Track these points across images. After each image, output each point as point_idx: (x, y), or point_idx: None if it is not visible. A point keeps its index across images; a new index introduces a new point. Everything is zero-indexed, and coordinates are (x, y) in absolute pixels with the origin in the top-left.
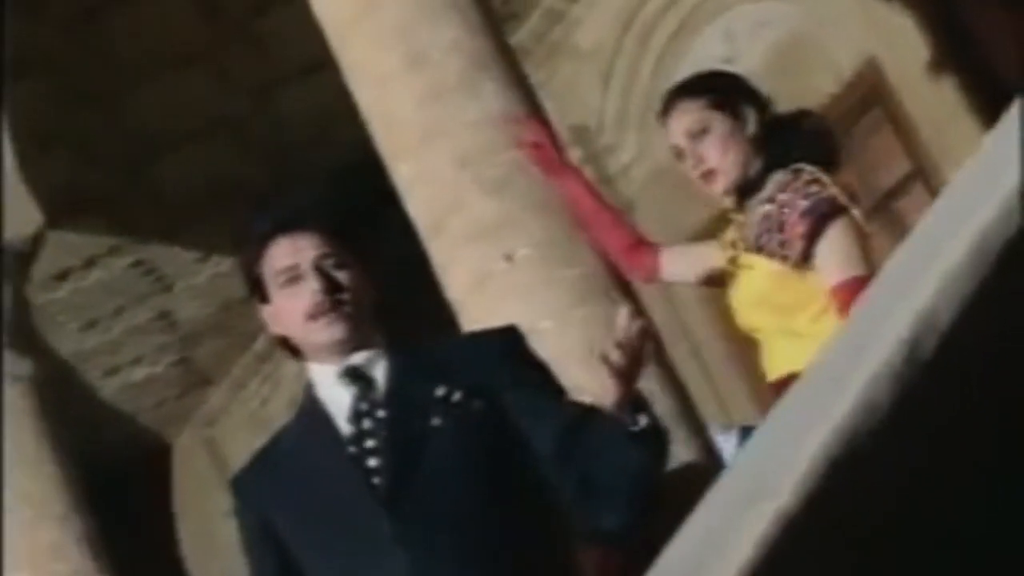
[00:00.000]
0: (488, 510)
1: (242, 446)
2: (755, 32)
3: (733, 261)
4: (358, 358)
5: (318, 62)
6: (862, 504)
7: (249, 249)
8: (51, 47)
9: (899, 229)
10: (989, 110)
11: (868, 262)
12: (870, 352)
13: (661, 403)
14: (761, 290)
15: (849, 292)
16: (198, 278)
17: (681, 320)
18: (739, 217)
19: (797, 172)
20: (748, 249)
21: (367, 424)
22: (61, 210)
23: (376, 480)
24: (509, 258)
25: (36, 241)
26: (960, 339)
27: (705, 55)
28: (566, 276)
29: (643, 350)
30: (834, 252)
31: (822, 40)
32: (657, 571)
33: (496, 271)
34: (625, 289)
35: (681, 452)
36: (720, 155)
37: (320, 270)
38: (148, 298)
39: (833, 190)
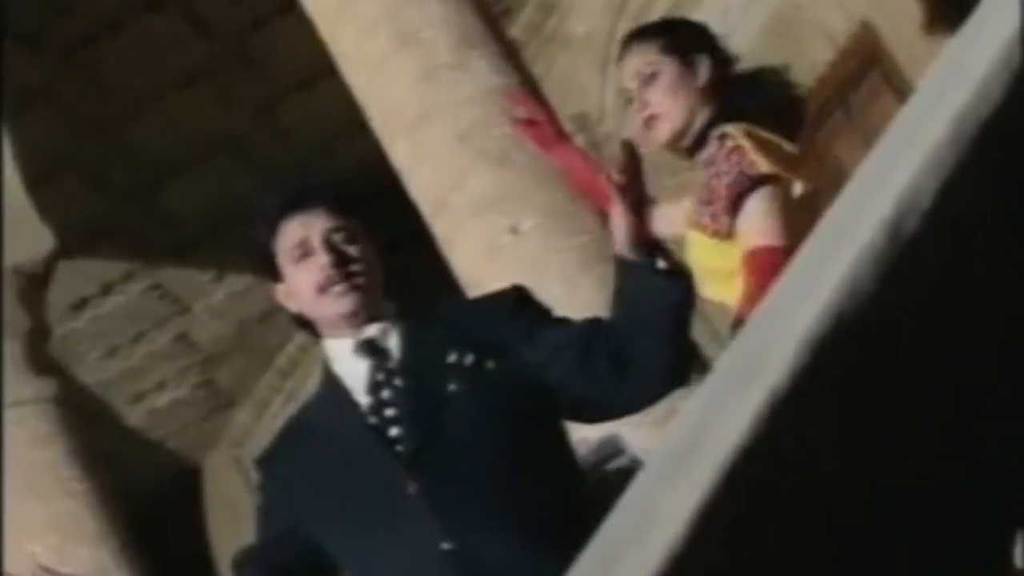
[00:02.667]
0: (513, 469)
1: None
2: (748, 6)
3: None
4: (372, 330)
5: (316, 73)
6: (849, 384)
7: (261, 229)
8: (52, 77)
9: None
10: None
11: (790, 231)
12: (853, 233)
13: None
14: (704, 264)
15: (761, 259)
16: (214, 298)
17: None
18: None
19: (723, 138)
20: (688, 223)
21: (385, 394)
22: (73, 239)
23: (399, 448)
24: (515, 230)
25: (49, 263)
26: (942, 218)
27: None
28: (572, 244)
29: (639, 169)
30: (750, 221)
31: (815, 9)
32: (655, 455)
33: (503, 244)
34: None
35: None
36: (666, 101)
37: (329, 243)
38: (166, 321)
39: (754, 157)
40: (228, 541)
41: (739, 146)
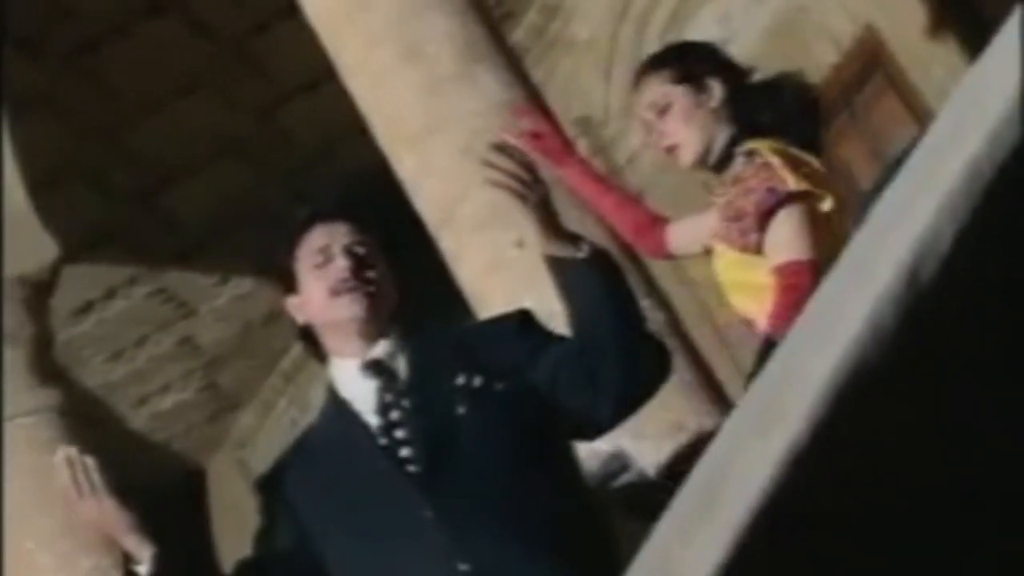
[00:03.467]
0: (524, 488)
1: None
2: (750, 10)
3: None
4: (378, 351)
5: (318, 76)
6: (870, 431)
7: (288, 236)
8: (54, 83)
9: None
10: None
11: (818, 247)
12: (872, 277)
13: (682, 374)
14: (731, 277)
15: (791, 274)
16: (218, 301)
17: (700, 301)
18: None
19: (751, 155)
20: (714, 238)
21: (395, 415)
22: (78, 243)
23: (412, 468)
24: (520, 244)
25: (53, 271)
26: (959, 262)
27: (703, 37)
28: None
29: (530, 165)
30: (779, 236)
31: (818, 11)
32: (676, 502)
33: (508, 258)
34: (637, 267)
35: (705, 423)
36: (681, 130)
37: (349, 251)
38: (170, 325)
39: (783, 174)
40: (231, 542)
41: (768, 163)
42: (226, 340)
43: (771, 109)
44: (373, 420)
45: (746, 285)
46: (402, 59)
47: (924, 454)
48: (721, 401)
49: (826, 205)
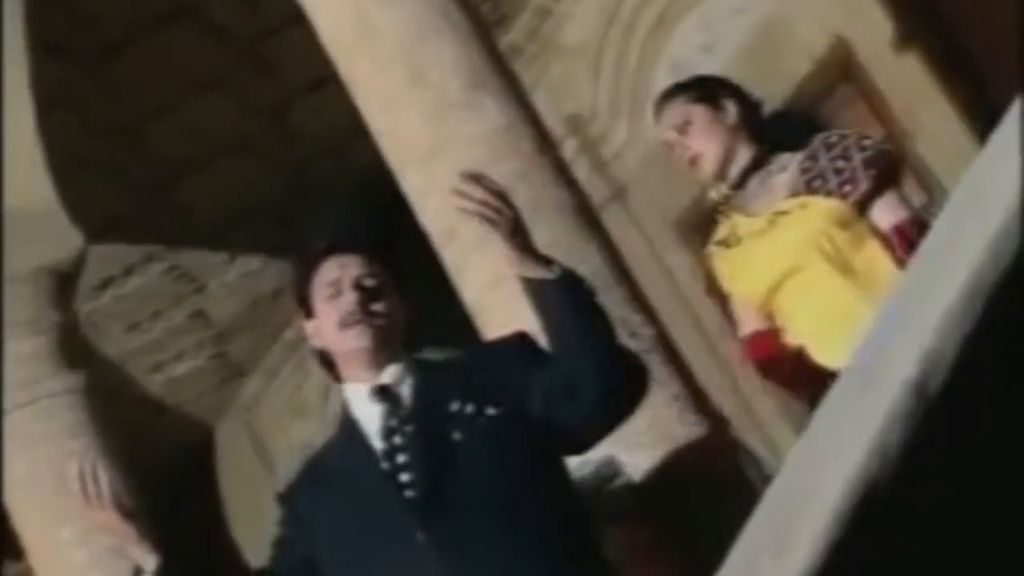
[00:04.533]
0: (518, 511)
1: (279, 430)
2: (731, 19)
3: (729, 239)
4: (387, 376)
5: (327, 77)
6: (881, 548)
7: (303, 267)
8: (75, 83)
9: None
10: (956, 81)
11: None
12: (877, 393)
13: (671, 388)
14: (817, 227)
15: (908, 231)
16: (228, 277)
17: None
18: (733, 201)
19: (841, 135)
20: (795, 195)
21: (398, 440)
22: (97, 230)
23: (410, 493)
24: None
25: (79, 262)
26: (964, 373)
27: (686, 42)
28: None
29: (500, 191)
30: (892, 197)
31: (794, 22)
32: None
33: (509, 275)
34: (630, 286)
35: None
36: (703, 141)
37: (358, 284)
38: (183, 299)
39: (887, 144)
40: (238, 499)
41: (868, 135)
42: (235, 314)
43: (791, 133)
44: (378, 444)
45: (829, 240)
46: (409, 84)
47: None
48: (709, 413)
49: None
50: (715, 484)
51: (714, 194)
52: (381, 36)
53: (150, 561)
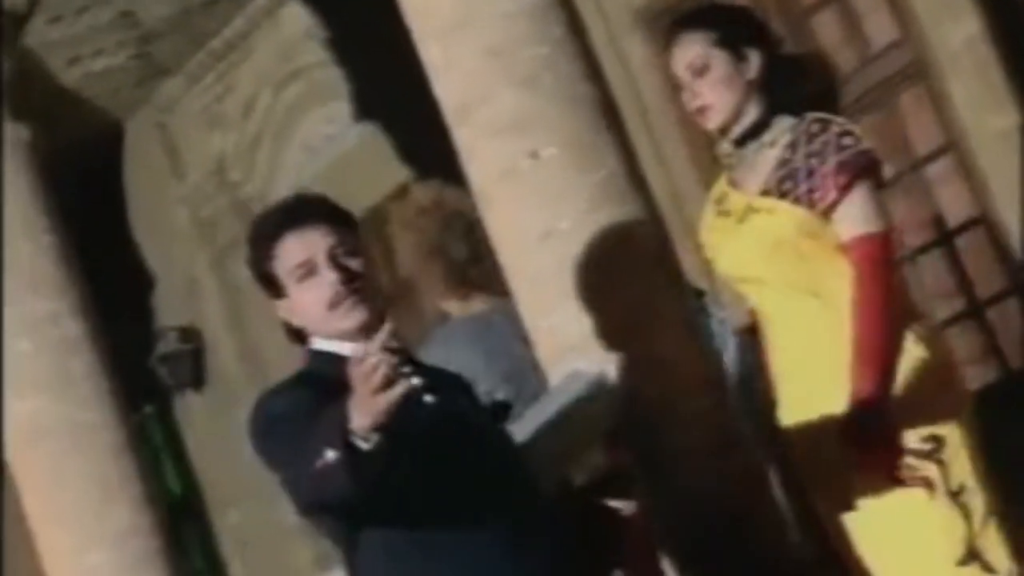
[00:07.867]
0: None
1: (194, 137)
2: None
3: (722, 205)
4: (383, 336)
5: None
6: None
7: (257, 248)
8: None
9: None
10: None
11: (886, 217)
12: None
13: None
14: (782, 235)
15: (870, 246)
16: None
17: None
18: (731, 160)
19: (824, 122)
20: (766, 192)
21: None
22: None
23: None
24: (535, 155)
25: (32, 4)
26: None
27: None
28: (588, 180)
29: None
30: (861, 206)
31: None
32: None
33: (521, 167)
34: (644, 195)
35: None
36: (716, 94)
37: (334, 260)
38: None
39: (868, 144)
40: (142, 196)
41: (850, 131)
42: (164, 17)
43: (798, 87)
44: None
45: (793, 250)
46: None
47: None
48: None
49: (887, 171)
50: None
51: (718, 148)
52: None
53: (373, 438)
